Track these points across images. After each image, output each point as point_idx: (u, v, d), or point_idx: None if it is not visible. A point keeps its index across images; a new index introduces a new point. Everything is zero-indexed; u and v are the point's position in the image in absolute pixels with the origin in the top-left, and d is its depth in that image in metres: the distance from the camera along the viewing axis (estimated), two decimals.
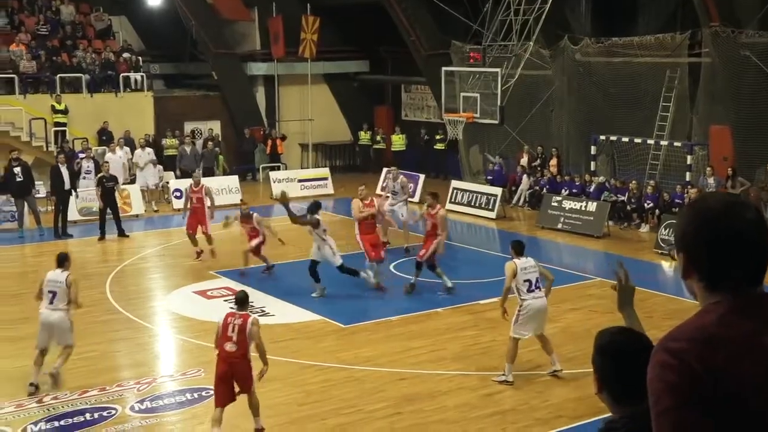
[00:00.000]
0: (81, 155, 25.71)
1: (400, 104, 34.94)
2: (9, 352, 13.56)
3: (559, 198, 23.53)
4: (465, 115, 25.76)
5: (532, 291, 12.09)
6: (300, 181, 28.60)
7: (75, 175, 23.52)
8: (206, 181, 27.03)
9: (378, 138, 32.80)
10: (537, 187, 25.67)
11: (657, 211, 22.12)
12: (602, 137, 24.43)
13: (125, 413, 11.16)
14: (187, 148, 28.47)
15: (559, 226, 22.78)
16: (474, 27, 26.35)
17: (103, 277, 17.85)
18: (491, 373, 12.52)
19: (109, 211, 21.82)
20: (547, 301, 12.38)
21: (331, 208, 26.49)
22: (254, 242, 17.82)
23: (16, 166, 22.37)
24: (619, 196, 23.33)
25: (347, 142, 34.58)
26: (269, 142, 31.03)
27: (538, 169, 26.32)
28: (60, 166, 22.36)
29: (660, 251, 19.98)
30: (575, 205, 22.89)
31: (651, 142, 23.82)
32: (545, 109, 26.67)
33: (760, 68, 21.63)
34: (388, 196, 21.10)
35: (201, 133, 31.00)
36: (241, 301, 10.60)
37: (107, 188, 21.58)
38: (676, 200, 21.69)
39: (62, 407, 11.31)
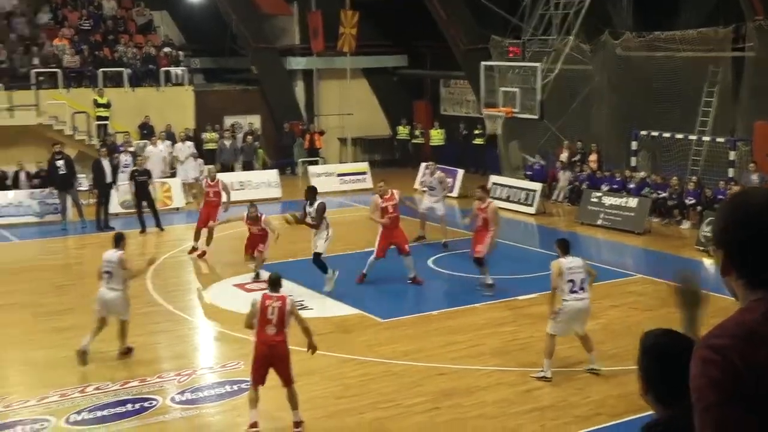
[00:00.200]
0: (121, 149, 26.01)
1: (439, 99, 34.88)
2: (53, 343, 13.75)
3: (599, 194, 23.35)
4: (504, 110, 25.65)
5: (575, 292, 11.93)
6: (339, 175, 28.66)
7: (116, 169, 23.77)
8: (245, 176, 27.40)
9: (417, 133, 32.77)
10: (577, 183, 25.50)
11: (699, 207, 21.89)
12: (643, 132, 24.20)
13: (166, 404, 11.27)
14: (227, 142, 28.66)
15: (599, 222, 22.61)
16: (513, 21, 26.22)
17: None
18: (530, 369, 12.47)
19: (145, 204, 21.96)
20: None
21: (369, 202, 26.50)
22: (263, 248, 17.26)
23: (59, 159, 22.66)
24: (659, 192, 23.10)
25: (386, 137, 34.58)
26: (308, 136, 31.12)
27: (578, 164, 26.14)
28: (102, 159, 22.62)
29: (702, 248, 19.76)
30: (615, 200, 22.71)
31: (693, 137, 23.55)
32: (585, 103, 26.45)
33: None
34: (424, 190, 21.05)
35: (240, 127, 31.18)
36: (275, 282, 10.61)
37: (139, 182, 21.74)
38: (719, 196, 21.42)
39: (104, 397, 11.45)
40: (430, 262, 18.82)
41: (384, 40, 34.05)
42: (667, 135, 23.69)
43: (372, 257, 16.97)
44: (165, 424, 10.71)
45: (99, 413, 10.97)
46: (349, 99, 32.49)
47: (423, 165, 24.54)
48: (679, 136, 23.45)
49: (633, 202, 22.38)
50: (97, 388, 11.71)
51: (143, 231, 21.65)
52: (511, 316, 15.14)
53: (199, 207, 20.33)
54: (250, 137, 29.71)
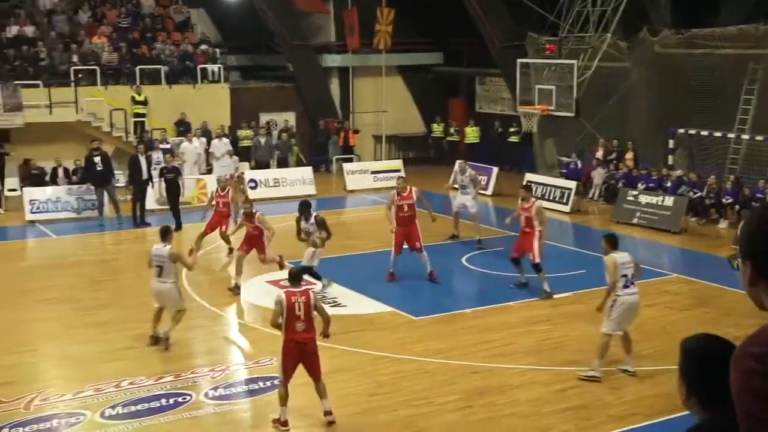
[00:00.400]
0: (154, 145, 26.22)
1: (474, 96, 34.79)
2: (90, 338, 13.90)
3: (635, 192, 23.15)
4: (540, 108, 25.52)
5: (627, 287, 11.81)
6: (373, 172, 28.66)
7: (151, 165, 23.95)
8: (280, 173, 27.50)
9: (451, 130, 32.69)
10: (612, 181, 25.30)
11: (737, 206, 21.62)
12: (680, 130, 23.94)
13: (199, 400, 11.34)
14: (262, 140, 28.78)
15: (635, 220, 22.41)
16: (550, 18, 26.06)
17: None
18: (564, 368, 12.40)
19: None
20: None
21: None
22: (264, 250, 16.59)
23: (97, 155, 22.89)
24: (696, 190, 22.86)
25: (421, 134, 34.54)
26: (342, 134, 31.18)
27: (614, 162, 25.92)
28: (139, 156, 22.81)
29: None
30: (652, 199, 22.50)
31: (732, 135, 23.26)
32: (622, 101, 26.23)
33: None
34: (456, 188, 20.98)
35: (276, 125, 31.30)
36: (296, 276, 10.69)
37: (167, 180, 21.86)
38: (757, 195, 21.18)
39: (139, 392, 11.54)
40: (463, 260, 18.77)
41: (419, 38, 33.99)
42: (705, 133, 23.42)
43: (392, 255, 17.02)
44: (198, 420, 10.78)
45: (133, 408, 11.06)
46: (384, 96, 32.49)
47: (457, 163, 24.46)
48: (717, 134, 23.17)
49: (669, 200, 22.16)
50: (132, 383, 11.81)
51: (179, 227, 21.65)
52: (545, 315, 15.05)
53: (203, 213, 19.87)
54: (285, 134, 29.82)
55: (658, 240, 21.16)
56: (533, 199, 16.49)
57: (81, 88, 27.43)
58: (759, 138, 22.65)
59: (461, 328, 14.34)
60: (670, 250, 20.55)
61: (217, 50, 31.42)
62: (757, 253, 2.40)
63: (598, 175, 25.78)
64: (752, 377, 2.27)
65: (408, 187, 17.10)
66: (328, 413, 10.60)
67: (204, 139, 27.39)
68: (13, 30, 28.69)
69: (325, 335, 10.82)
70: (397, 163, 29.97)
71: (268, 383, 11.80)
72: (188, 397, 11.38)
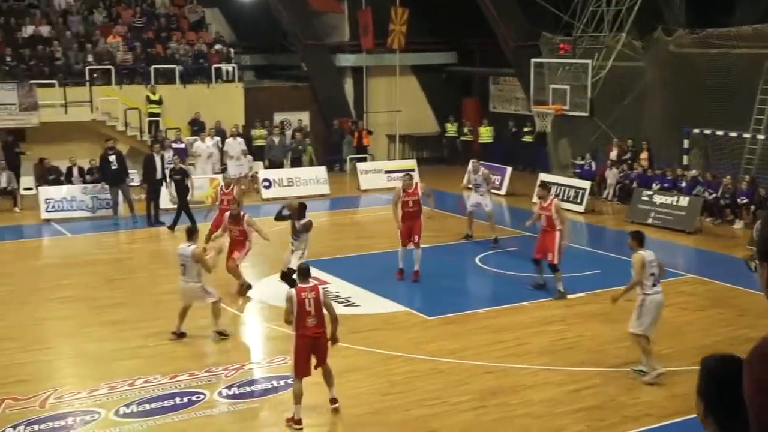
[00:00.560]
0: (173, 145, 26.30)
1: (488, 96, 34.74)
2: (104, 336, 13.96)
3: (649, 192, 23.07)
4: (554, 108, 25.47)
5: (655, 285, 11.75)
6: (386, 172, 28.65)
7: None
8: (294, 172, 27.54)
9: (465, 130, 32.65)
10: (627, 181, 25.21)
11: (752, 206, 21.52)
12: (695, 130, 23.83)
13: (213, 398, 11.37)
14: (276, 139, 28.82)
15: (650, 221, 22.33)
16: (564, 18, 26.00)
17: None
18: (577, 368, 12.38)
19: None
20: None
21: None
22: (239, 255, 16.05)
23: (112, 154, 22.98)
24: (711, 191, 22.76)
25: (434, 134, 34.51)
26: (356, 133, 31.18)
27: (628, 162, 25.84)
28: (154, 155, 22.88)
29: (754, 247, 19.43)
30: (666, 199, 22.41)
31: (747, 135, 23.14)
32: (637, 101, 26.13)
33: None
34: (470, 187, 20.96)
35: (290, 124, 31.34)
36: (305, 272, 10.79)
37: (175, 181, 21.93)
38: None
39: (153, 391, 11.58)
40: (477, 260, 18.75)
41: (433, 38, 33.97)
42: (720, 133, 23.31)
43: (400, 250, 17.08)
44: (212, 418, 10.81)
45: (147, 406, 11.11)
46: (398, 96, 32.49)
47: (471, 162, 24.44)
48: (733, 134, 23.05)
49: (684, 200, 22.08)
50: (146, 382, 11.86)
51: (172, 228, 21.45)
52: (560, 315, 15.03)
53: (207, 212, 19.83)
54: (299, 134, 29.86)
55: (672, 240, 21.08)
56: (551, 198, 16.39)
57: (96, 87, 27.52)
58: None
59: (475, 328, 14.33)
60: (685, 250, 20.47)
61: (232, 50, 31.48)
62: None
63: (612, 175, 25.71)
64: (764, 380, 2.25)
65: (414, 184, 17.14)
66: (333, 401, 10.83)
67: (218, 139, 27.45)
68: (28, 30, 28.84)
69: (333, 340, 10.79)
70: (411, 163, 29.96)
71: (282, 382, 11.82)
72: (202, 396, 11.41)
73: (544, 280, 16.25)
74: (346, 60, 32.95)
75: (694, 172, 23.57)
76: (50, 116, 26.35)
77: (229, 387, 11.76)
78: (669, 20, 26.12)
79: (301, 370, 10.50)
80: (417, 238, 16.91)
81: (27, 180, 25.43)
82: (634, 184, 24.50)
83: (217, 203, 19.03)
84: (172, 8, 32.63)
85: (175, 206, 21.76)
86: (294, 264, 15.43)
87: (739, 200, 22.07)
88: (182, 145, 26.58)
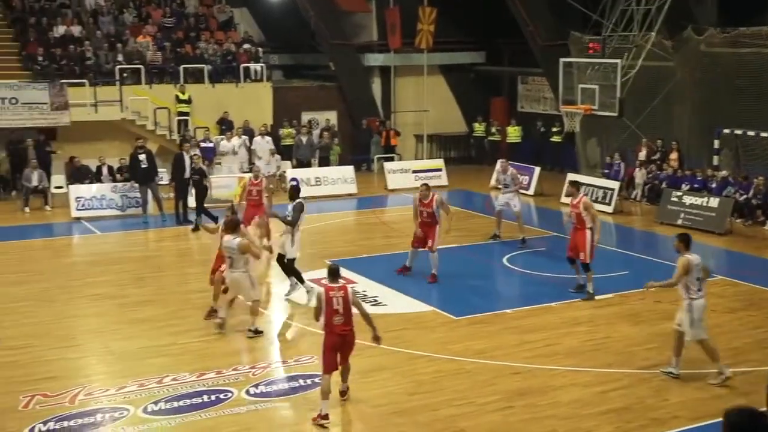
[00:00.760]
0: (201, 144, 26.45)
1: (517, 96, 34.63)
2: (133, 334, 14.05)
3: (679, 193, 22.89)
4: (583, 107, 25.32)
5: (701, 290, 11.63)
6: (414, 172, 28.64)
7: None
8: (322, 172, 27.61)
9: (493, 130, 32.57)
10: (656, 182, 25.04)
11: None
12: (726, 130, 23.61)
13: (241, 396, 11.41)
14: (304, 138, 28.89)
15: (679, 221, 22.16)
16: (593, 17, 25.85)
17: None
18: (605, 370, 12.32)
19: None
20: (665, 299, 12.04)
21: (444, 199, 26.41)
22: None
23: (141, 153, 23.15)
24: (742, 192, 22.55)
25: (462, 134, 34.46)
26: (384, 132, 31.20)
27: (658, 162, 25.66)
28: (184, 154, 23.01)
29: None
30: (696, 200, 22.23)
31: None
32: (666, 101, 25.94)
33: None
34: (499, 188, 20.90)
35: (317, 124, 31.42)
36: (334, 272, 10.93)
37: (194, 181, 22.02)
38: None
39: (181, 388, 11.65)
40: (504, 260, 18.70)
41: (461, 37, 33.93)
42: (751, 133, 23.09)
43: (410, 250, 17.26)
44: (239, 416, 10.85)
45: (175, 404, 11.17)
46: (426, 96, 32.47)
47: (499, 162, 24.38)
48: (765, 134, 22.81)
49: (714, 201, 21.89)
50: (174, 379, 11.92)
51: (196, 228, 21.52)
52: (588, 316, 14.95)
53: (238, 202, 19.61)
54: (326, 133, 29.92)
55: (702, 242, 20.85)
56: (581, 195, 16.28)
57: (126, 87, 27.72)
58: None
59: (502, 328, 14.29)
60: (715, 251, 20.28)
61: (260, 49, 31.59)
62: None
63: (640, 176, 25.54)
64: None
65: (430, 195, 16.98)
66: (343, 393, 11.12)
67: (245, 138, 27.57)
68: (60, 30, 29.11)
69: (375, 338, 11.00)
70: (439, 163, 29.94)
71: (309, 381, 11.85)
72: (229, 394, 11.46)
73: (584, 279, 16.11)
74: (374, 59, 32.97)
75: (724, 173, 23.37)
76: (81, 115, 26.57)
77: (257, 385, 11.79)
78: (699, 19, 25.90)
79: (328, 366, 10.66)
80: (431, 243, 16.93)
81: (58, 178, 25.66)
82: (664, 185, 24.32)
83: (244, 201, 19.10)
84: (201, 8, 32.82)
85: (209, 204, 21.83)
86: (292, 253, 15.61)
87: None
88: (210, 144, 26.74)
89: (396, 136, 31.31)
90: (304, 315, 14.80)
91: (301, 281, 15.81)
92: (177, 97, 28.35)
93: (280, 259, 15.86)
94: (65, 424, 10.60)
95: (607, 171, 26.27)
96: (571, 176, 25.46)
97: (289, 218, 15.63)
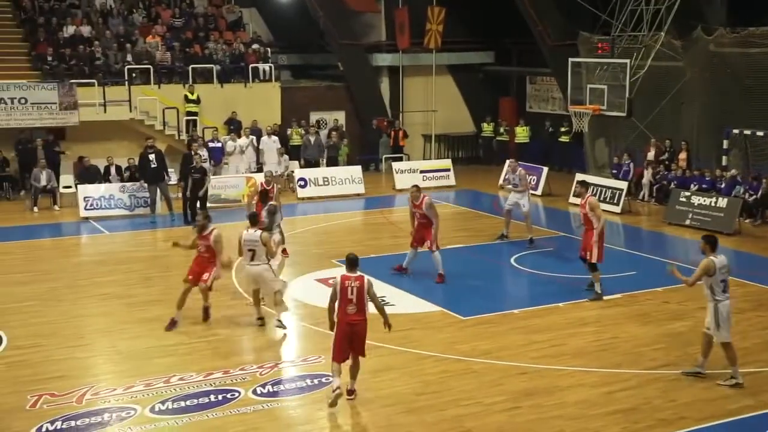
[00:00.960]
0: (210, 144, 26.50)
1: (525, 96, 34.58)
2: (141, 333, 14.08)
3: (687, 193, 22.82)
4: (591, 108, 25.29)
5: (726, 292, 11.56)
6: (422, 172, 28.61)
7: None
8: (330, 172, 27.62)
9: (501, 130, 32.54)
10: (665, 182, 24.97)
11: None
12: (735, 131, 23.54)
13: (248, 396, 11.42)
14: (312, 138, 28.91)
15: (687, 222, 22.11)
16: (603, 17, 25.81)
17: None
18: (612, 370, 12.30)
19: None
20: (672, 299, 12.00)
21: (452, 199, 26.48)
22: (209, 276, 14.25)
23: (151, 153, 23.20)
24: (752, 192, 22.48)
25: (470, 134, 34.43)
26: (392, 132, 31.18)
27: (666, 162, 25.59)
28: (192, 153, 23.02)
29: None
30: (705, 200, 22.17)
31: None
32: (675, 101, 25.87)
33: None
34: (509, 188, 20.86)
35: (326, 124, 31.44)
36: (352, 262, 11.09)
37: (194, 180, 22.02)
38: None
39: (188, 388, 11.67)
40: (512, 260, 18.67)
41: (470, 37, 33.89)
42: (760, 133, 23.02)
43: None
44: (246, 416, 10.86)
45: (182, 403, 11.19)
46: (434, 96, 32.46)
47: (507, 162, 24.38)
48: None
49: (723, 202, 21.82)
50: (181, 379, 11.95)
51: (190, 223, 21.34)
52: (595, 316, 14.92)
53: (247, 209, 19.73)
54: (334, 133, 29.94)
55: None
56: (588, 195, 16.26)
57: (135, 87, 27.76)
58: None
59: (510, 328, 14.28)
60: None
61: (269, 49, 31.61)
62: None
63: (645, 175, 25.48)
64: None
65: (420, 197, 17.00)
66: (351, 392, 11.16)
67: (253, 137, 27.60)
68: (69, 30, 29.19)
69: (387, 326, 11.18)
70: (447, 163, 29.92)
71: (316, 381, 11.87)
72: (236, 394, 11.47)
73: (602, 289, 16.02)
74: (383, 59, 32.96)
75: (733, 171, 23.30)
76: (89, 115, 26.63)
77: (264, 385, 11.80)
78: (709, 19, 25.81)
79: (338, 355, 10.90)
80: (430, 243, 16.95)
81: (66, 178, 25.73)
82: (672, 185, 24.26)
83: (254, 202, 19.05)
84: (210, 8, 32.87)
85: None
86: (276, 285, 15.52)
87: None
88: (218, 144, 26.78)
89: (404, 139, 31.26)
90: (311, 315, 14.81)
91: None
92: (186, 97, 28.39)
93: None
94: (72, 423, 10.63)
95: (615, 171, 26.22)
96: (579, 176, 25.45)
97: (266, 222, 15.64)
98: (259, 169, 26.62)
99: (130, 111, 27.30)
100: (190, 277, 14.23)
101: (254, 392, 11.56)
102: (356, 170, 27.74)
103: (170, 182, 24.26)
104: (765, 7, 24.78)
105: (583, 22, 27.51)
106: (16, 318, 14.89)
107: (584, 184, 16.75)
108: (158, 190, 23.22)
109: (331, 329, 11.11)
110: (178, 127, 28.01)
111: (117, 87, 27.61)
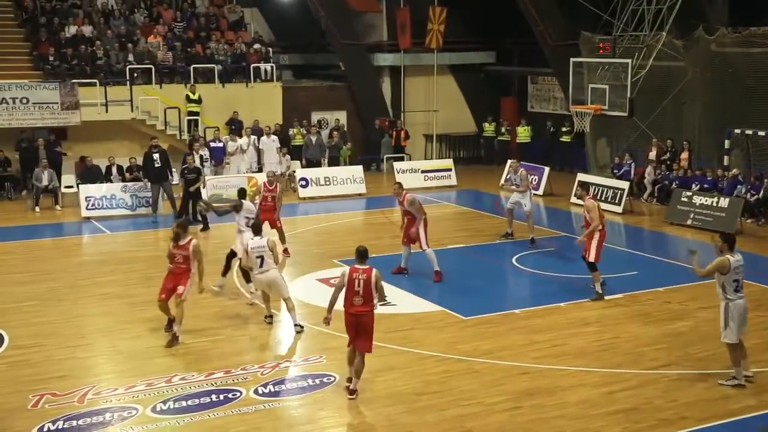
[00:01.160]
0: (212, 143, 26.50)
1: (527, 96, 34.57)
2: (142, 333, 14.08)
3: (689, 193, 22.82)
4: (593, 107, 25.28)
5: (739, 291, 11.51)
6: (423, 172, 28.63)
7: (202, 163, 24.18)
8: (331, 171, 27.62)
9: (503, 130, 32.53)
10: (666, 182, 24.96)
11: None
12: (737, 131, 23.53)
13: (249, 396, 11.42)
14: (313, 138, 28.91)
15: (689, 222, 22.10)
16: (604, 17, 25.80)
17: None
18: (613, 370, 12.29)
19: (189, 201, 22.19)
20: (674, 299, 11.98)
21: (454, 199, 26.49)
22: (185, 291, 13.52)
23: (156, 152, 23.21)
24: (753, 192, 22.47)
25: (472, 134, 34.43)
26: (394, 132, 31.18)
27: (667, 162, 25.58)
28: (194, 153, 23.02)
29: None
30: (706, 200, 22.15)
31: None
32: (677, 101, 25.86)
33: None
34: (512, 188, 20.85)
35: (327, 123, 31.44)
36: (362, 254, 11.30)
37: (188, 180, 22.00)
38: None
39: (189, 388, 11.67)
40: (514, 260, 18.67)
41: (471, 37, 33.90)
42: (762, 133, 22.99)
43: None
44: (247, 416, 10.86)
45: (184, 403, 11.19)
46: (436, 95, 32.47)
47: (509, 162, 24.36)
48: None
49: (724, 202, 21.81)
50: (183, 379, 11.95)
51: (205, 228, 21.40)
52: (596, 316, 14.91)
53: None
54: (336, 133, 29.94)
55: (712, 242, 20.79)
56: (588, 197, 16.28)
57: (136, 86, 27.79)
58: None
59: (511, 328, 14.28)
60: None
61: (270, 49, 31.63)
62: None
63: (649, 176, 25.47)
64: None
65: (403, 193, 17.07)
66: (353, 392, 11.25)
67: (254, 137, 27.61)
68: (71, 30, 29.20)
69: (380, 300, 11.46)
70: (448, 163, 29.91)
71: (317, 381, 11.88)
72: (238, 394, 11.48)
73: (603, 279, 16.08)
74: (384, 59, 32.96)
75: (735, 171, 23.28)
76: (91, 115, 26.65)
77: (265, 385, 11.81)
78: (711, 19, 25.81)
79: (350, 339, 11.35)
80: (420, 242, 16.97)
81: (68, 178, 25.74)
82: (674, 185, 24.24)
83: (257, 201, 19.04)
84: (212, 8, 32.87)
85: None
86: (235, 247, 15.98)
87: None
88: (220, 144, 26.79)
89: (406, 140, 31.24)
90: (312, 314, 14.81)
91: (223, 274, 16.25)
92: (187, 96, 28.40)
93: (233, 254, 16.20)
94: (74, 423, 10.63)
95: (616, 171, 26.21)
96: (581, 177, 25.43)
97: (223, 208, 16.85)
98: (261, 170, 26.64)
99: (132, 111, 27.31)
100: (163, 296, 13.53)
101: (255, 392, 11.56)
102: (358, 170, 27.74)
103: (173, 182, 24.24)
104: (766, 7, 24.77)
105: (584, 21, 27.50)
106: (17, 318, 14.90)
107: (585, 186, 16.75)
108: (161, 189, 23.22)
109: (325, 321, 11.40)
110: (179, 127, 28.01)
111: (118, 87, 27.62)
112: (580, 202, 16.66)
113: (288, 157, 27.73)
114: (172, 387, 11.68)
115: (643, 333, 14.01)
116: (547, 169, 27.22)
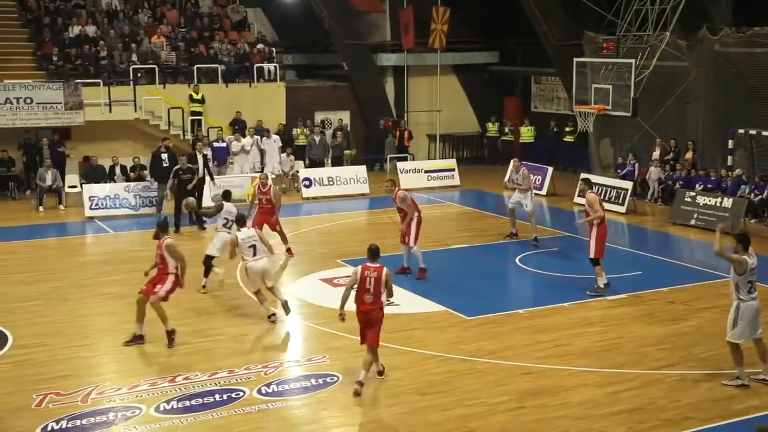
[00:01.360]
0: (215, 144, 26.51)
1: (530, 96, 34.56)
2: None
3: (693, 193, 22.80)
4: (596, 107, 25.27)
5: (751, 292, 11.48)
6: (426, 172, 28.63)
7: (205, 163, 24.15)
8: (334, 171, 27.62)
9: (506, 129, 32.52)
10: (670, 182, 24.94)
11: None
12: (741, 131, 23.50)
13: (252, 396, 11.43)
14: (317, 138, 28.91)
15: (692, 222, 22.08)
16: (608, 17, 25.78)
17: (234, 263, 18.27)
18: (617, 370, 12.28)
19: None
20: (678, 299, 11.97)
21: (457, 199, 26.49)
22: (162, 289, 13.40)
23: (164, 152, 23.26)
24: (757, 192, 22.44)
25: (475, 134, 34.42)
26: (397, 132, 31.17)
27: (671, 162, 25.55)
28: (196, 153, 23.04)
29: None
30: (710, 200, 22.13)
31: None
32: (680, 101, 25.83)
33: None
34: (514, 188, 20.83)
35: (330, 123, 31.44)
36: (373, 253, 11.63)
37: (182, 180, 21.94)
38: None
39: (193, 387, 11.68)
40: (517, 260, 18.66)
41: (474, 37, 33.90)
42: (765, 133, 22.95)
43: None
44: (251, 416, 10.87)
45: (187, 403, 11.20)
46: (439, 95, 32.46)
47: (512, 162, 24.35)
48: None
49: (728, 202, 21.79)
50: (186, 378, 11.96)
51: (176, 231, 21.02)
52: (600, 316, 14.91)
53: (249, 213, 19.47)
54: (339, 133, 29.94)
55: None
56: (589, 192, 16.28)
57: (140, 86, 27.79)
58: None
59: (514, 328, 14.27)
60: (728, 252, 20.13)
61: (274, 49, 31.63)
62: None
63: (653, 176, 25.44)
64: None
65: (395, 190, 17.15)
66: (360, 383, 11.39)
67: (257, 137, 27.61)
68: (75, 30, 29.22)
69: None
70: (451, 163, 29.90)
71: (321, 381, 11.88)
72: (241, 394, 11.48)
73: (608, 279, 16.08)
74: (387, 59, 32.96)
75: (738, 171, 23.26)
76: (95, 115, 26.65)
77: (268, 385, 11.81)
78: (714, 19, 25.78)
79: (361, 338, 11.65)
80: (407, 239, 17.00)
81: (72, 178, 25.76)
82: (677, 185, 24.22)
83: (256, 202, 19.04)
84: (215, 8, 32.88)
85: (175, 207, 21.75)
86: (210, 248, 16.38)
87: None
88: (223, 144, 26.80)
89: (409, 141, 31.23)
90: (315, 314, 14.82)
91: (205, 275, 16.39)
92: (191, 97, 28.40)
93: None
94: (78, 422, 10.65)
95: (620, 171, 26.19)
96: (584, 175, 25.38)
97: (210, 211, 17.27)
98: (263, 169, 26.65)
99: (135, 111, 27.31)
100: (144, 287, 13.47)
101: (259, 392, 11.57)
102: (361, 170, 27.73)
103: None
104: None
105: (588, 21, 27.49)
106: (21, 317, 14.92)
107: (587, 182, 16.77)
108: (167, 188, 23.24)
109: (340, 317, 11.66)
110: (182, 127, 28.01)
111: (122, 87, 27.63)
112: (582, 201, 16.62)
113: (292, 157, 27.74)
114: (176, 386, 11.69)
115: (647, 333, 14.00)
116: (550, 169, 27.21)
